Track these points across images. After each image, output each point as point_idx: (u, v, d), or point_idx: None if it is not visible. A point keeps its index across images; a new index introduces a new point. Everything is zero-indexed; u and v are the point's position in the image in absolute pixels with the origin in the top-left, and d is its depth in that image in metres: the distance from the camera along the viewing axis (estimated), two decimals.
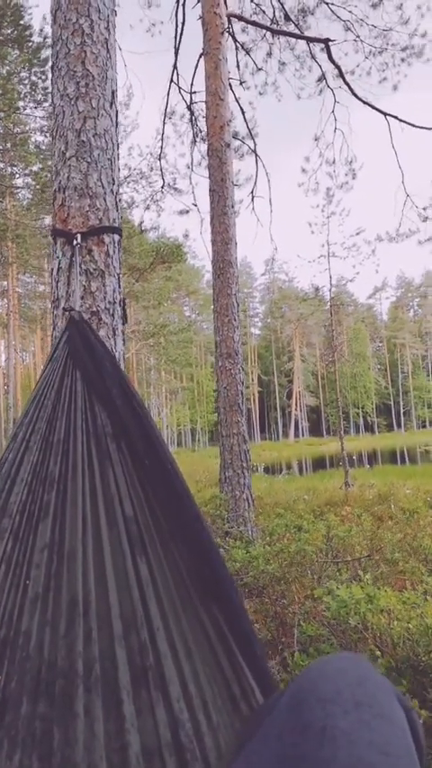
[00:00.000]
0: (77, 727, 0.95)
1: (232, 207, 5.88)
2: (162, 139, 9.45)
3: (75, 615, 1.06)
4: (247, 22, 7.77)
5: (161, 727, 0.98)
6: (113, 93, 2.12)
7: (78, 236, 1.87)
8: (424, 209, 9.02)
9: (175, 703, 1.01)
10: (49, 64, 2.35)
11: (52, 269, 1.99)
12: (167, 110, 8.96)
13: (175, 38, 8.16)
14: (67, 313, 1.77)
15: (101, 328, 1.91)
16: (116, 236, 2.00)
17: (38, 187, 15.07)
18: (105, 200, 1.96)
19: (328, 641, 2.00)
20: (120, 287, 2.03)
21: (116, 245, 2.00)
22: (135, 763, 0.93)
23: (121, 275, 2.05)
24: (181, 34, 8.10)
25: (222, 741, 1.01)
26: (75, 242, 1.87)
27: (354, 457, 23.13)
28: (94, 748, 0.93)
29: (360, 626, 1.81)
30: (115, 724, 0.96)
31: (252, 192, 8.98)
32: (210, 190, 5.98)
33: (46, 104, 14.36)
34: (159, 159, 9.88)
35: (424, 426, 60.92)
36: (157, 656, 1.05)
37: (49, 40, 2.19)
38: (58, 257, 1.95)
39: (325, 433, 59.34)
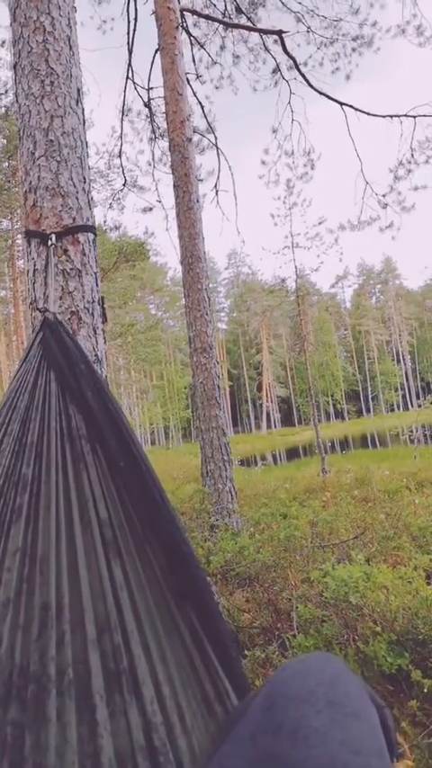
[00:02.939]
0: (49, 732, 0.93)
1: (197, 201, 5.88)
2: (121, 137, 9.36)
3: (47, 619, 1.04)
4: (200, 15, 7.75)
5: (134, 730, 0.97)
6: (79, 90, 2.11)
7: (53, 236, 1.85)
8: (383, 195, 9.19)
9: (149, 706, 1.00)
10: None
11: (28, 271, 1.96)
12: (124, 107, 8.88)
13: (128, 34, 8.08)
14: (41, 314, 1.74)
15: (81, 328, 1.90)
16: (91, 235, 1.99)
17: None
18: (78, 199, 1.95)
19: (329, 621, 2.04)
20: (98, 285, 2.02)
21: (91, 243, 1.99)
22: (108, 767, 0.93)
23: (98, 274, 2.03)
24: (134, 30, 8.03)
25: (196, 743, 1.01)
26: (49, 242, 1.84)
27: (327, 444, 23.44)
28: (66, 753, 0.92)
29: (361, 603, 1.85)
30: (88, 728, 0.95)
31: (216, 186, 9.01)
32: (174, 185, 5.95)
33: None
34: (119, 157, 9.79)
35: (392, 410, 62.10)
36: (130, 660, 1.04)
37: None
38: (33, 259, 1.92)
39: (297, 422, 59.94)
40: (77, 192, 1.95)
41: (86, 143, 2.13)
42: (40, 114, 1.97)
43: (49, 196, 1.91)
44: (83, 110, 2.14)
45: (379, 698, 0.77)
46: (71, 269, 1.90)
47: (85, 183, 2.02)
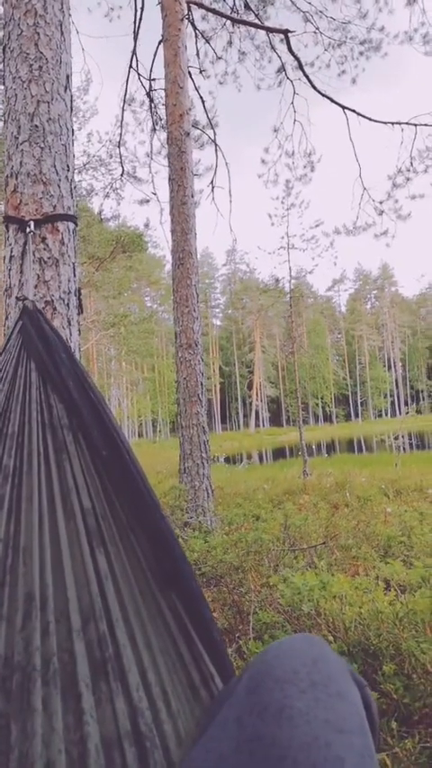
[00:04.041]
0: (35, 721, 0.94)
1: (192, 197, 5.84)
2: (121, 126, 9.29)
3: (31, 609, 1.05)
4: (207, 9, 7.69)
5: (120, 717, 0.98)
6: (68, 77, 2.08)
7: (32, 223, 1.82)
8: (380, 202, 9.19)
9: (135, 693, 1.01)
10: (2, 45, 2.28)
11: (4, 257, 1.94)
12: (127, 96, 8.81)
13: (134, 23, 8.01)
14: (20, 302, 1.72)
15: (55, 318, 1.88)
16: (71, 225, 1.96)
17: None
18: (59, 187, 1.92)
19: (283, 628, 2.04)
20: (75, 276, 1.99)
21: (71, 233, 1.96)
22: (94, 754, 0.94)
23: (76, 264, 2.01)
24: (140, 19, 7.96)
25: (182, 728, 1.02)
26: (28, 229, 1.81)
27: (313, 446, 23.55)
28: (52, 742, 0.93)
29: (313, 612, 1.85)
30: (74, 716, 0.96)
31: (212, 182, 8.96)
32: (169, 179, 5.92)
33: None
34: (119, 146, 9.72)
35: (380, 416, 62.48)
36: (116, 647, 1.05)
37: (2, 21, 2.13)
38: (10, 245, 1.90)
39: (285, 423, 60.12)
40: (60, 180, 1.93)
41: (72, 131, 2.10)
42: (27, 99, 1.94)
43: (30, 182, 1.88)
44: (71, 97, 2.11)
45: (361, 678, 0.78)
46: (48, 258, 1.87)
47: (68, 171, 1.99)
